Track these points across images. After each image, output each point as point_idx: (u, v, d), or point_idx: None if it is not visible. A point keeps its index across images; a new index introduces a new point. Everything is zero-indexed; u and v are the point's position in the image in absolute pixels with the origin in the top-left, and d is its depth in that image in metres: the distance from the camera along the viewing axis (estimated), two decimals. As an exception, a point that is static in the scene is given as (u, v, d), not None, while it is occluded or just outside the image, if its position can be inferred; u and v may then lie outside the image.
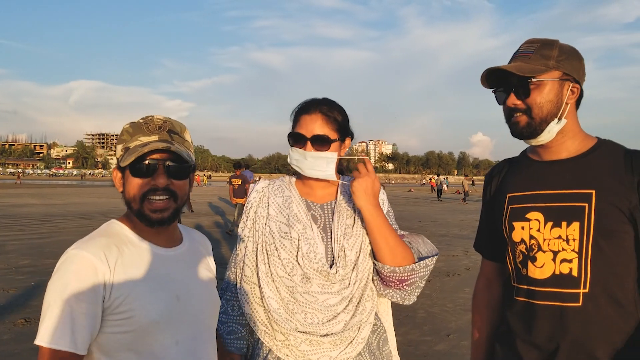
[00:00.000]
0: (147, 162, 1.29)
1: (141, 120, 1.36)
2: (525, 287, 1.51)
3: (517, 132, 1.51)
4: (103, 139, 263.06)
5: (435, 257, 1.74)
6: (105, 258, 1.24)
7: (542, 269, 1.47)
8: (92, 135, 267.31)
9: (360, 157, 1.69)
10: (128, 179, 1.32)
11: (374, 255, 1.71)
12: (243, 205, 11.88)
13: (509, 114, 1.52)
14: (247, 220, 1.80)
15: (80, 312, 1.18)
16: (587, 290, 1.41)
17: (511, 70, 1.45)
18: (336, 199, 1.80)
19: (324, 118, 1.71)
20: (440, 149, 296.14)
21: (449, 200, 33.49)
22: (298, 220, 1.72)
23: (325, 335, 1.63)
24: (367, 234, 1.70)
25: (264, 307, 1.68)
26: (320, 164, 1.70)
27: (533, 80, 1.45)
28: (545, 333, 1.46)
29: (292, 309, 1.65)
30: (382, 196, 1.82)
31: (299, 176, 1.83)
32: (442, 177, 42.90)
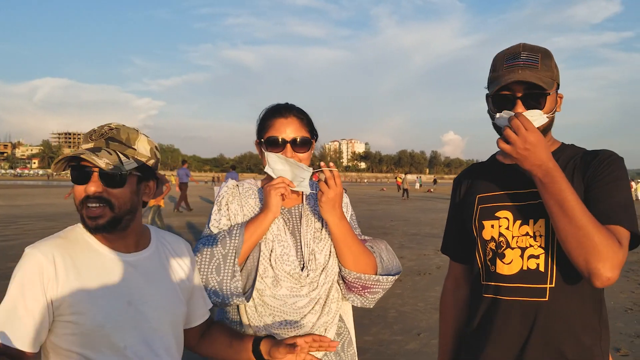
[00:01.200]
0: (75, 170, 1.31)
1: (96, 128, 1.38)
2: (494, 283, 1.55)
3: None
4: (70, 138, 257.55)
5: (399, 274, 1.81)
6: (53, 259, 1.26)
7: (510, 265, 1.51)
8: (59, 134, 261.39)
9: (329, 169, 1.65)
10: (74, 185, 1.34)
11: (339, 261, 1.74)
12: (158, 207, 11.37)
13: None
14: (220, 210, 1.77)
15: (24, 308, 1.21)
16: (553, 285, 1.46)
17: (538, 82, 1.45)
18: (302, 203, 1.83)
19: (299, 121, 1.75)
20: (412, 148, 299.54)
21: (421, 199, 33.80)
22: (272, 223, 1.72)
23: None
24: (333, 243, 1.72)
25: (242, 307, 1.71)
26: (301, 176, 1.69)
27: (548, 92, 1.48)
28: (513, 328, 1.50)
29: (260, 312, 1.67)
30: (346, 199, 1.85)
31: (266, 180, 1.84)
32: (415, 176, 43.31)
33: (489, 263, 1.56)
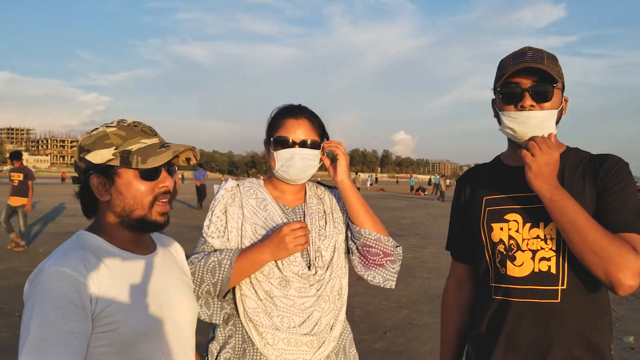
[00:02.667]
0: (156, 166, 1.26)
1: (125, 124, 1.30)
2: (504, 285, 1.55)
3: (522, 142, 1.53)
4: (12, 133, 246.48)
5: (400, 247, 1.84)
6: (86, 271, 1.17)
7: (521, 267, 1.52)
8: (0, 129, 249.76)
9: (336, 144, 1.77)
10: (132, 184, 1.26)
11: (355, 228, 1.75)
12: (21, 207, 9.55)
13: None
14: (212, 216, 1.73)
15: (69, 332, 1.10)
16: (564, 286, 1.48)
17: (547, 70, 1.47)
18: (305, 202, 1.83)
19: (310, 123, 1.74)
20: (364, 147, 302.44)
21: (373, 198, 34.19)
22: (275, 223, 1.72)
23: (303, 335, 1.65)
24: (349, 210, 1.75)
25: (242, 306, 1.67)
26: (309, 168, 1.74)
27: (555, 86, 1.50)
28: (525, 330, 1.51)
29: (269, 312, 1.65)
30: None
31: (269, 179, 1.84)
32: (367, 175, 43.71)
33: (498, 265, 1.58)
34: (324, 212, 1.83)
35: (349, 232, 1.79)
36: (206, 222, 1.73)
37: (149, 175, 1.27)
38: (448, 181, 28.67)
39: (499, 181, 1.65)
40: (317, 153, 1.75)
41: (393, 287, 1.79)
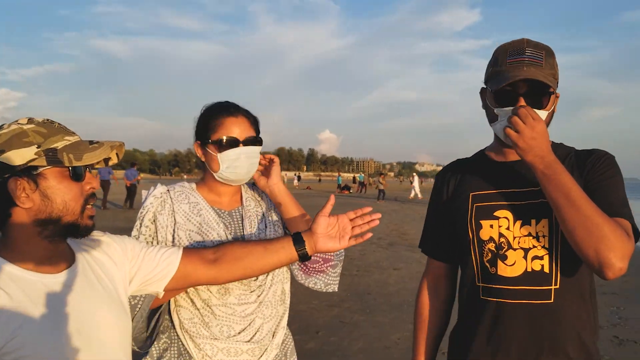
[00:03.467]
0: (93, 162, 1.15)
1: (42, 121, 1.15)
2: (496, 286, 1.49)
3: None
4: None
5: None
6: None
7: (513, 267, 1.47)
8: None
9: (269, 156, 1.75)
10: (59, 186, 1.12)
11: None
12: None
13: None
14: (140, 227, 1.60)
15: None
16: (557, 286, 1.44)
17: (544, 81, 1.40)
18: (242, 204, 1.73)
19: (248, 120, 1.67)
20: (290, 146, 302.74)
21: (300, 197, 34.22)
22: (211, 228, 1.62)
23: (244, 343, 1.57)
24: (283, 214, 1.71)
25: (178, 317, 1.57)
26: (254, 167, 1.67)
27: (552, 91, 1.45)
28: (517, 331, 1.46)
29: (207, 322, 1.55)
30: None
31: (202, 182, 1.73)
32: (293, 174, 43.70)
33: (487, 264, 1.51)
34: (263, 214, 1.76)
35: None
36: (134, 232, 1.60)
37: (80, 175, 1.15)
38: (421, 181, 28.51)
39: (486, 176, 1.59)
40: (259, 150, 1.67)
41: (336, 290, 1.75)
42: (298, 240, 1.42)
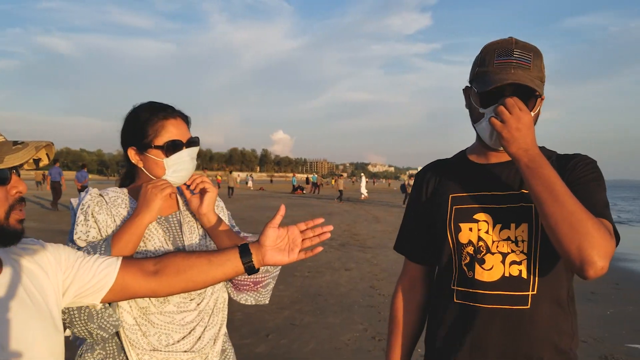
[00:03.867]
0: (17, 164, 1.09)
1: None
2: (472, 290, 1.46)
3: (497, 140, 1.42)
4: None
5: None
6: None
7: (490, 271, 1.43)
8: None
9: (201, 179, 1.67)
10: None
11: None
12: None
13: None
14: (87, 221, 1.51)
15: None
16: (535, 292, 1.41)
17: (531, 85, 1.37)
18: (180, 209, 1.67)
19: (184, 121, 1.63)
20: (243, 146, 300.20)
21: (252, 197, 33.98)
22: (151, 234, 1.56)
23: (184, 352, 1.52)
24: (211, 235, 1.64)
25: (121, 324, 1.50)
26: (194, 169, 1.63)
27: (538, 94, 1.41)
28: (492, 337, 1.43)
29: (145, 331, 1.49)
30: (220, 203, 1.78)
31: (134, 188, 1.66)
32: (245, 175, 43.37)
33: (465, 268, 1.48)
34: None
35: None
36: (81, 229, 1.50)
37: (4, 179, 1.08)
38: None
39: (466, 178, 1.56)
40: (197, 151, 1.65)
41: (267, 302, 1.75)
42: (245, 253, 1.36)
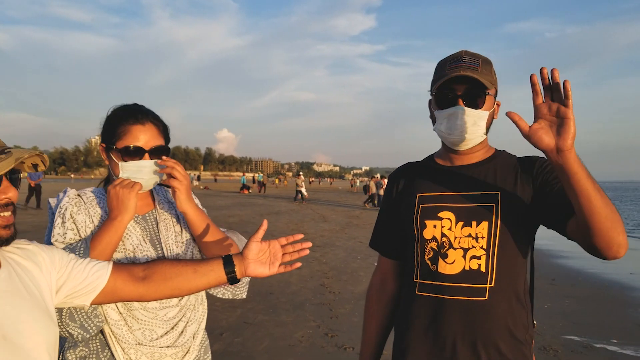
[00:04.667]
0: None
1: None
2: (434, 282, 1.57)
3: (456, 138, 1.56)
4: None
5: None
6: None
7: (452, 265, 1.55)
8: None
9: (172, 164, 1.60)
10: None
11: (203, 252, 1.69)
12: None
13: None
14: (64, 222, 1.53)
15: None
16: (492, 285, 1.52)
17: (480, 79, 1.48)
18: (155, 207, 1.71)
19: (156, 128, 1.63)
20: (187, 144, 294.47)
21: (203, 196, 33.41)
22: (130, 232, 1.59)
23: (167, 347, 1.56)
24: (194, 234, 1.66)
25: (105, 317, 1.51)
26: (156, 176, 1.62)
27: (488, 92, 1.53)
28: (453, 327, 1.54)
29: (130, 326, 1.53)
30: (196, 200, 1.78)
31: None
32: (191, 174, 42.67)
33: (428, 262, 1.59)
34: (177, 216, 1.74)
35: None
36: (58, 231, 1.52)
37: None
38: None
39: (432, 179, 1.68)
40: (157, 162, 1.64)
41: (244, 297, 1.79)
42: (228, 264, 1.43)
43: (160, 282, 1.39)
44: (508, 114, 1.36)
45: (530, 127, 1.32)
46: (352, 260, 10.17)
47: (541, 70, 1.29)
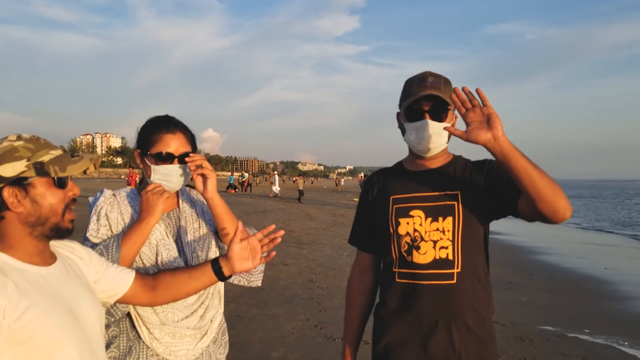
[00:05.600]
0: (75, 172, 1.33)
1: (29, 137, 1.35)
2: (410, 271, 1.83)
3: (424, 147, 1.83)
4: None
5: None
6: None
7: (425, 255, 1.81)
8: None
9: (200, 160, 1.81)
10: (48, 193, 1.32)
11: (224, 247, 1.86)
12: None
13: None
14: (99, 220, 1.78)
15: None
16: (459, 269, 1.80)
17: (444, 97, 1.75)
18: (179, 207, 1.95)
19: (185, 137, 1.86)
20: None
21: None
22: (155, 229, 1.82)
23: (187, 328, 1.78)
24: (216, 220, 1.86)
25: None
26: (183, 178, 1.85)
27: (449, 108, 1.80)
28: (428, 307, 1.80)
29: (154, 309, 1.76)
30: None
31: (142, 188, 1.89)
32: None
33: (404, 254, 1.85)
34: (197, 215, 1.96)
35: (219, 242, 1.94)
36: (93, 227, 1.77)
37: (63, 183, 1.34)
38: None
39: (403, 183, 1.93)
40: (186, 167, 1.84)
41: (259, 285, 2.01)
42: (216, 267, 1.67)
43: (164, 290, 1.65)
44: (445, 129, 1.73)
45: (465, 131, 1.64)
46: (338, 257, 10.47)
47: (455, 89, 1.66)
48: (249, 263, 1.69)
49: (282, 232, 1.76)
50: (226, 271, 1.67)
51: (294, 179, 35.61)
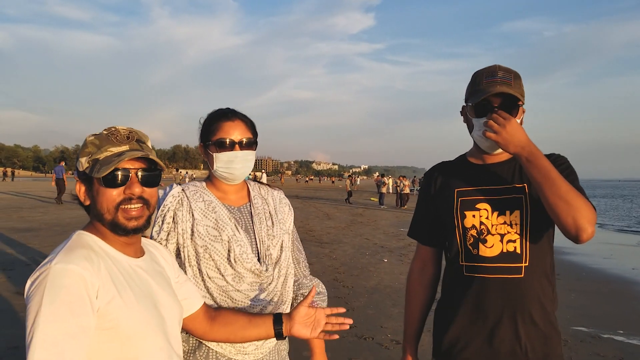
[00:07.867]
0: (119, 172, 1.31)
1: (105, 132, 1.35)
2: (476, 264, 1.81)
3: (490, 144, 1.78)
4: None
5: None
6: (90, 268, 1.20)
7: (492, 248, 1.79)
8: None
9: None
10: (99, 191, 1.32)
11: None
12: None
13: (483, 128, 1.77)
14: (163, 223, 1.76)
15: (79, 326, 1.13)
16: (527, 264, 1.77)
17: (515, 94, 1.72)
18: (250, 201, 1.91)
19: (244, 124, 1.84)
20: (187, 143, 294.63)
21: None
22: (226, 224, 1.79)
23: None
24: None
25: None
26: (249, 167, 1.84)
27: (520, 104, 1.77)
28: (494, 301, 1.78)
29: (227, 305, 1.73)
30: (287, 202, 2.05)
31: (210, 180, 1.91)
32: (184, 172, 42.83)
33: (470, 247, 1.83)
34: (269, 212, 1.93)
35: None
36: (156, 228, 1.75)
37: (110, 182, 1.31)
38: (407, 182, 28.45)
39: (467, 176, 1.91)
40: (254, 152, 1.86)
41: (324, 306, 1.94)
42: (277, 321, 1.62)
43: (222, 325, 1.62)
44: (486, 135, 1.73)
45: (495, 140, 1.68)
46: (360, 256, 10.44)
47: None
48: (307, 331, 1.62)
49: (350, 321, 1.68)
50: (285, 330, 1.61)
51: (349, 178, 35.25)
